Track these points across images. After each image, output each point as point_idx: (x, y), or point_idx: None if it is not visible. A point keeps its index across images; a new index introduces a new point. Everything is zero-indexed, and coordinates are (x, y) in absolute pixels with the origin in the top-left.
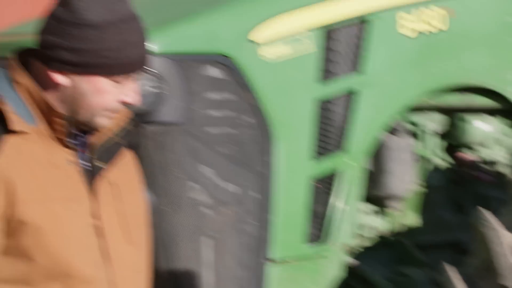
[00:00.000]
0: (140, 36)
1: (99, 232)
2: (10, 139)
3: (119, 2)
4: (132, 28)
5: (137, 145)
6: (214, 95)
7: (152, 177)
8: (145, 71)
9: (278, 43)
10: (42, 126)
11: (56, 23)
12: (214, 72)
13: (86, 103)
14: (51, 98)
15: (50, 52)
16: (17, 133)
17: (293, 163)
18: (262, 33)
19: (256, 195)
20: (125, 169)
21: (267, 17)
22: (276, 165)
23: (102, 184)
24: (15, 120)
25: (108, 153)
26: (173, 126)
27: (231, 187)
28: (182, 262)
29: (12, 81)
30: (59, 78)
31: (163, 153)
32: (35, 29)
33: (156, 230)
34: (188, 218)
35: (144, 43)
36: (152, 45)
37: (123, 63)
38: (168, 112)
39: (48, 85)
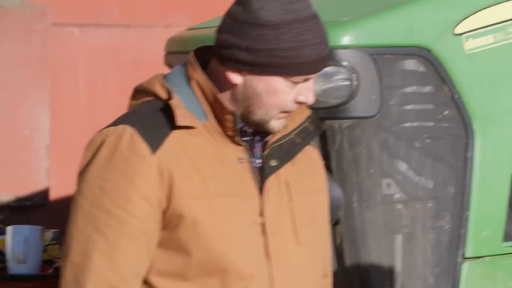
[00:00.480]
0: (319, 36)
1: (264, 230)
2: (175, 133)
3: (297, 1)
4: (310, 28)
5: (328, 140)
6: (412, 89)
7: (344, 173)
8: (338, 64)
9: (481, 33)
10: (213, 122)
11: (233, 22)
12: (412, 65)
13: (261, 103)
14: (225, 96)
15: (227, 51)
16: (184, 128)
17: (494, 159)
18: (465, 24)
19: (453, 190)
20: (303, 169)
21: (472, 10)
22: (475, 160)
23: (273, 183)
24: (183, 115)
25: (284, 152)
26: (367, 120)
27: (426, 182)
28: (372, 260)
29: (188, 77)
30: (235, 78)
31: (356, 149)
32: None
33: (346, 227)
34: (381, 215)
35: (323, 44)
36: (346, 38)
37: (300, 63)
38: (361, 106)
39: (223, 83)
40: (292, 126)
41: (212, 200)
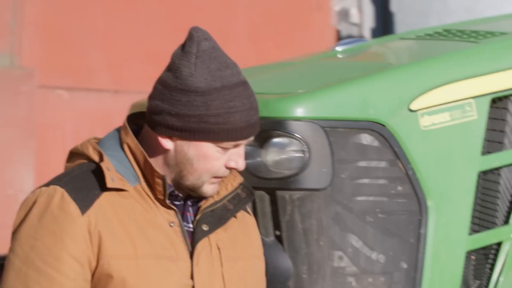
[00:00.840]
0: (248, 103)
1: None
2: (105, 194)
3: (226, 68)
4: (239, 94)
5: (279, 211)
6: (365, 163)
7: (295, 244)
8: (291, 135)
9: (437, 111)
10: (144, 186)
11: (163, 89)
12: (365, 139)
13: (192, 168)
14: (157, 160)
15: (158, 117)
16: (114, 190)
17: (448, 236)
18: (421, 101)
19: (405, 266)
20: (236, 235)
21: (428, 87)
22: (429, 237)
23: (205, 247)
24: (113, 177)
25: (216, 217)
26: (318, 192)
27: (378, 257)
28: None
29: (121, 141)
30: (166, 143)
31: (307, 220)
32: None
33: None
34: (331, 287)
35: (253, 111)
36: (300, 110)
37: (229, 129)
38: (313, 178)
39: (155, 148)
40: (224, 193)
41: (140, 261)
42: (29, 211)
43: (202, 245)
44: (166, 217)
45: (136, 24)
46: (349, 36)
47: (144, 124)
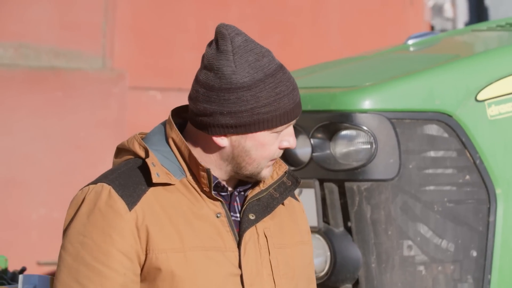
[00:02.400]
0: (290, 84)
1: (242, 282)
2: (152, 190)
3: (263, 57)
4: (281, 79)
5: (348, 201)
6: (432, 153)
7: (363, 234)
8: (358, 128)
9: (504, 100)
10: (190, 179)
11: (207, 91)
12: (432, 129)
13: (251, 158)
14: (201, 154)
15: (208, 119)
16: (160, 185)
17: None
18: (488, 91)
19: (475, 254)
20: (283, 222)
21: (495, 77)
22: (498, 225)
23: (252, 236)
24: (158, 172)
25: (262, 206)
26: (385, 183)
27: (448, 245)
28: None
29: (167, 136)
30: (222, 141)
31: (375, 210)
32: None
33: (364, 287)
34: (399, 276)
35: (296, 90)
36: (367, 102)
37: (280, 114)
38: (380, 169)
39: (203, 144)
40: (270, 181)
41: (188, 254)
42: (78, 209)
43: (249, 234)
44: (213, 209)
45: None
46: (444, 31)
47: (187, 117)
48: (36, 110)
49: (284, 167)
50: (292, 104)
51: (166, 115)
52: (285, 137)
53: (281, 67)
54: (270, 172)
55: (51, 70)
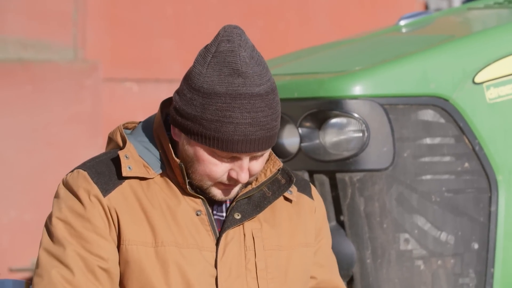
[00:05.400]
0: (249, 117)
1: (216, 284)
2: (129, 181)
3: (238, 76)
4: (241, 106)
5: (339, 194)
6: (428, 140)
7: (357, 228)
8: (348, 115)
9: (504, 82)
10: (169, 173)
11: (182, 79)
12: (428, 115)
13: (193, 167)
14: (178, 149)
15: (173, 108)
16: (139, 178)
17: None
18: (486, 72)
19: (476, 246)
20: (282, 222)
21: (493, 57)
22: (500, 214)
23: (235, 236)
24: (131, 165)
25: (252, 205)
26: (379, 173)
27: (446, 238)
28: None
29: (154, 127)
30: (177, 134)
31: (368, 202)
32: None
33: (360, 284)
34: (396, 272)
35: (255, 127)
36: (357, 88)
37: (221, 139)
38: (373, 158)
39: (176, 137)
40: (262, 179)
41: (160, 249)
42: (57, 195)
43: (232, 234)
44: (192, 206)
45: (207, 9)
46: (439, 10)
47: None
48: (4, 105)
49: (278, 163)
50: (241, 137)
51: (143, 108)
52: (236, 167)
53: (255, 96)
54: (227, 195)
55: (18, 63)
